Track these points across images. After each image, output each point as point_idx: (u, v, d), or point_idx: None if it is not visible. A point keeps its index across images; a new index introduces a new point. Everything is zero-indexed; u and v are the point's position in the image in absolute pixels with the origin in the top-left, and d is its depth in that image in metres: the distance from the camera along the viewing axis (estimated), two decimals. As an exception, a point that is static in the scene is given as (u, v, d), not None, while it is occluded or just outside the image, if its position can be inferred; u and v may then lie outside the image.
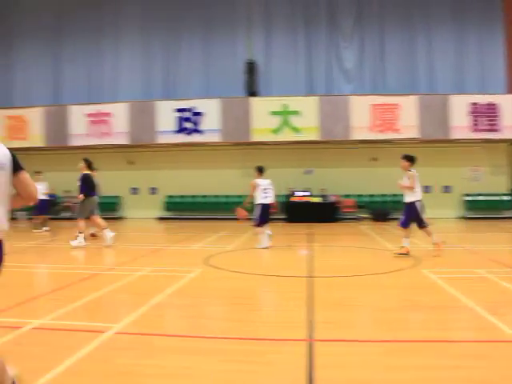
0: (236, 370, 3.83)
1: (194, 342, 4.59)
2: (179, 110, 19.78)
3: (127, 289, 7.06)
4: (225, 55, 21.08)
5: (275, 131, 19.19)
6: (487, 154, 19.81)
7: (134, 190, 21.61)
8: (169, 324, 5.54)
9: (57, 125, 20.45)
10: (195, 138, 19.73)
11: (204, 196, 20.98)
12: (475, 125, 18.42)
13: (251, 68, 20.26)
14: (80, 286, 7.14)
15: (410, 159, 9.65)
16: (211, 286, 7.21)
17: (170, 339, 4.72)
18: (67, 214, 19.90)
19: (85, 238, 11.66)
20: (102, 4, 21.82)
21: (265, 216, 11.25)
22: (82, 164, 12.01)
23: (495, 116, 18.39)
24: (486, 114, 18.41)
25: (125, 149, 20.93)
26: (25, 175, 3.11)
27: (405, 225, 9.59)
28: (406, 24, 20.35)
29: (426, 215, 9.55)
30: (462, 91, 19.31)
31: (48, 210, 16.33)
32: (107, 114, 20.22)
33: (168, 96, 20.96)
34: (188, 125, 19.75)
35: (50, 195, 16.84)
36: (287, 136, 19.24)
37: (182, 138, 19.78)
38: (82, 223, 11.59)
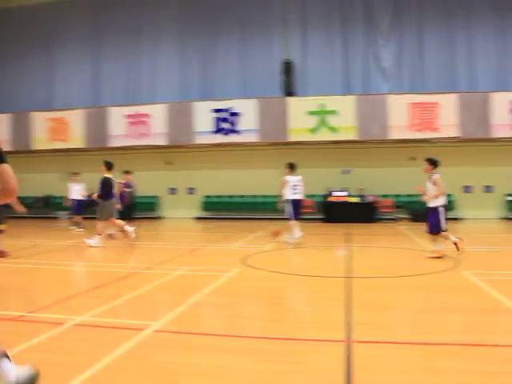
0: (272, 370, 3.82)
1: (230, 341, 4.61)
2: (216, 111, 19.90)
3: (166, 288, 7.15)
4: (261, 55, 21.08)
5: (312, 131, 19.10)
6: (530, 153, 19.20)
7: (172, 190, 21.86)
8: (206, 323, 5.58)
9: (97, 126, 20.89)
10: (232, 138, 19.82)
11: (241, 196, 21.05)
12: (517, 123, 17.88)
13: (288, 68, 20.19)
14: (119, 284, 7.28)
15: (434, 163, 9.46)
16: (248, 286, 7.23)
17: (207, 338, 4.76)
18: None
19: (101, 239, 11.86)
20: (140, 4, 22.11)
21: (296, 211, 11.59)
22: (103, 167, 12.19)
23: (538, 113, 17.79)
24: (528, 112, 17.85)
25: (163, 149, 21.18)
26: (6, 168, 2.91)
27: (436, 230, 9.41)
28: (446, 21, 19.84)
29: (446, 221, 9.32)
30: (503, 89, 18.75)
31: (84, 211, 16.53)
32: (145, 115, 20.52)
33: (205, 97, 21.06)
34: (225, 125, 19.85)
35: (89, 196, 17.16)
36: (324, 136, 19.11)
37: (220, 139, 19.90)
38: (101, 225, 11.88)
